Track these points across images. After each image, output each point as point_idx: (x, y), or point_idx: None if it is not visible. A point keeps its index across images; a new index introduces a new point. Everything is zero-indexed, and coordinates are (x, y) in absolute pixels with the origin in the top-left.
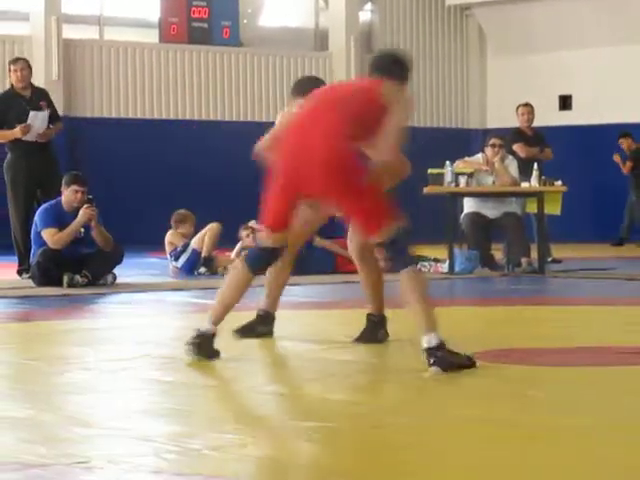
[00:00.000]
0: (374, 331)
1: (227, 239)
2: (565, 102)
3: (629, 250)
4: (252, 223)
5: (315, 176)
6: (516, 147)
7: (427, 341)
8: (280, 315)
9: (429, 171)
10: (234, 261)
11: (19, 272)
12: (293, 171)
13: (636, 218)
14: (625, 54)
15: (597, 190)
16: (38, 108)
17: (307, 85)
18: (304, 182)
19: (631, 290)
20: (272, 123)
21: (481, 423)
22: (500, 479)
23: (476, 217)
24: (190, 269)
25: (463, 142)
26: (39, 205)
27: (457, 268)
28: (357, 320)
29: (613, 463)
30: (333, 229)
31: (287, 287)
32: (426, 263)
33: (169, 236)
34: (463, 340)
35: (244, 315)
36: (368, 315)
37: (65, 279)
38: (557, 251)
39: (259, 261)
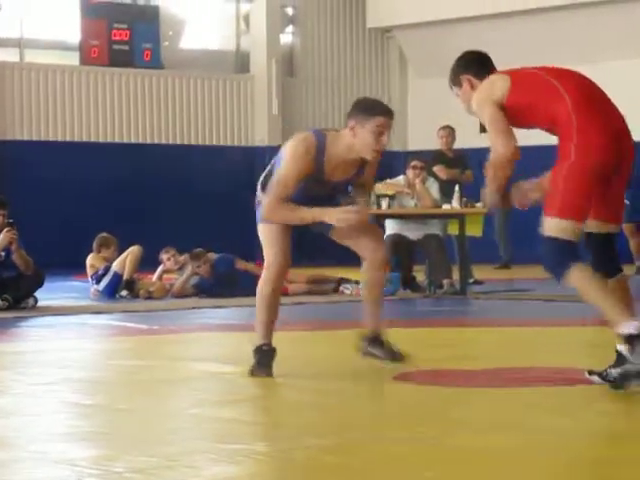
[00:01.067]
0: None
1: (149, 262)
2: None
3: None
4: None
5: (629, 153)
6: (437, 169)
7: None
8: (200, 337)
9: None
10: (155, 284)
11: None
12: (616, 148)
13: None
14: None
15: (516, 211)
16: None
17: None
18: (623, 160)
19: (550, 311)
20: (194, 146)
21: (406, 444)
22: None
23: (398, 239)
24: (112, 292)
25: (385, 164)
26: None
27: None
28: (278, 342)
29: None
30: (252, 252)
31: (212, 310)
32: (348, 285)
33: (91, 259)
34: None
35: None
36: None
37: None
38: (479, 272)
39: (578, 254)
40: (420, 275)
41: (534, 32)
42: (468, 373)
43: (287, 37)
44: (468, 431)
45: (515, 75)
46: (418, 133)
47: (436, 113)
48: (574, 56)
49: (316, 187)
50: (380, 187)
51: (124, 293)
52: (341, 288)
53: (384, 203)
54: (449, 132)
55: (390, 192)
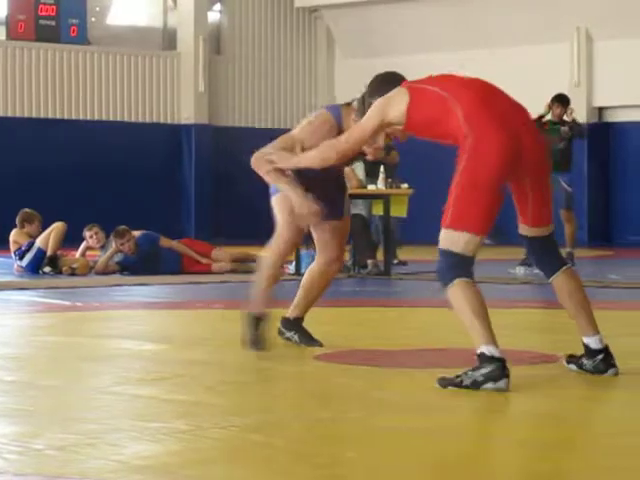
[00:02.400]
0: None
1: (73, 239)
2: None
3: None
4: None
5: (534, 151)
6: (364, 149)
7: None
8: (123, 315)
9: None
10: (78, 260)
11: None
12: (515, 146)
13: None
14: (467, 58)
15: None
16: None
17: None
18: (527, 159)
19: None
20: (120, 122)
21: (329, 424)
22: (347, 478)
23: None
24: (35, 268)
25: None
26: None
27: (303, 269)
28: (203, 320)
29: (449, 464)
30: (178, 229)
31: (135, 287)
32: None
33: (14, 235)
34: None
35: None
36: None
37: None
38: (403, 253)
39: (469, 269)
40: (345, 255)
41: (459, 14)
42: (391, 353)
43: (214, 15)
44: (390, 411)
45: (414, 91)
46: None
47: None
48: (494, 39)
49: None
50: None
51: (47, 269)
52: None
53: None
54: None
55: None
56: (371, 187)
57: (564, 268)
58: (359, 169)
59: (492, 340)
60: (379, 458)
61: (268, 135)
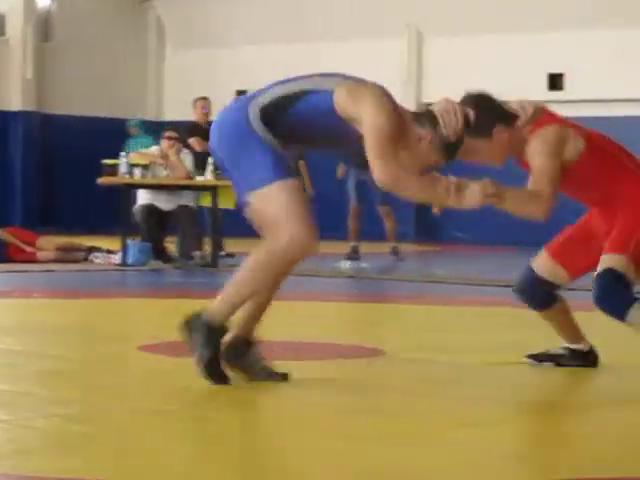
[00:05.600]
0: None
1: None
2: None
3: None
4: None
5: None
6: (192, 141)
7: None
8: None
9: (104, 161)
10: None
11: None
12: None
13: None
14: (298, 52)
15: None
16: None
17: None
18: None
19: (303, 286)
20: None
21: (152, 415)
22: (166, 469)
23: (150, 209)
24: None
25: None
26: None
27: (130, 260)
28: (24, 309)
29: (267, 459)
30: (6, 218)
31: None
32: (99, 254)
33: None
34: (134, 333)
35: None
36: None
37: None
38: (231, 245)
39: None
40: (172, 246)
41: (291, 6)
42: None
43: (44, 1)
44: (210, 404)
45: (589, 139)
46: (174, 104)
47: (192, 84)
48: (326, 33)
49: None
50: (133, 157)
51: None
52: (90, 257)
53: (137, 172)
54: (205, 103)
55: (144, 162)
56: (199, 178)
57: None
58: (187, 160)
59: None
60: (197, 450)
61: (99, 124)
